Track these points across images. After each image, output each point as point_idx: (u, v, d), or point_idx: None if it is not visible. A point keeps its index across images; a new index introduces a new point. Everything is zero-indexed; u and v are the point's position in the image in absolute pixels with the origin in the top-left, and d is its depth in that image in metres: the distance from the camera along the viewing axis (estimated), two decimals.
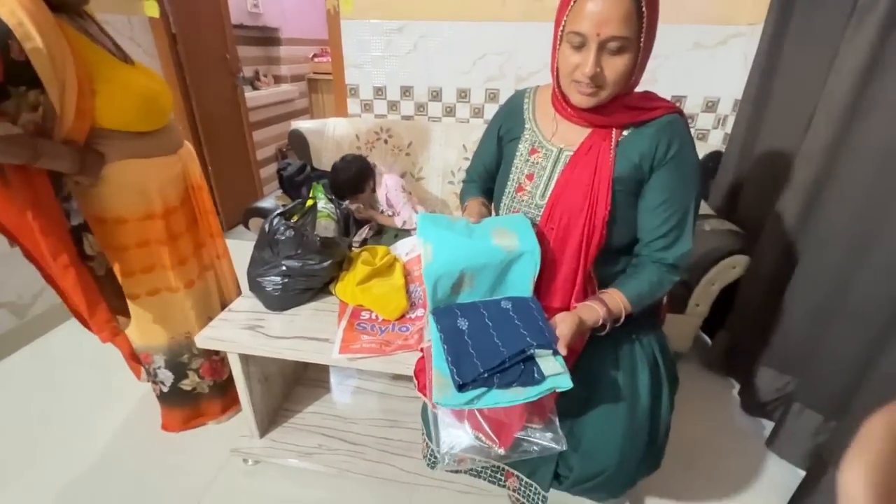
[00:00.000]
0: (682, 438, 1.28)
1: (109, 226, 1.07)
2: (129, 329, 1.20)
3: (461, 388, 0.69)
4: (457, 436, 0.76)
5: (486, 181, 1.02)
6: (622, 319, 0.77)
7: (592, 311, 0.76)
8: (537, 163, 0.87)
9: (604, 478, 0.78)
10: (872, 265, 1.06)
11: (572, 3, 0.69)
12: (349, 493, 1.18)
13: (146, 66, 1.11)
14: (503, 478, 0.94)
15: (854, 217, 1.14)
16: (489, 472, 0.96)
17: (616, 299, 0.78)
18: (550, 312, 0.79)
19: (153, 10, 2.16)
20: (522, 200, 0.89)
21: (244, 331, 1.08)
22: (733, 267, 1.45)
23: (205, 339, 1.06)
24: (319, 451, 1.23)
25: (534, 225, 0.85)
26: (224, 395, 1.37)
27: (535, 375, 0.69)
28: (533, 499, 0.87)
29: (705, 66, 1.85)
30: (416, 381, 0.90)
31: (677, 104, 1.94)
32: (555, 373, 0.69)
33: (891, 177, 1.05)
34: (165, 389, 1.30)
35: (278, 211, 1.13)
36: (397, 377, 1.48)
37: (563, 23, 0.71)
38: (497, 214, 0.97)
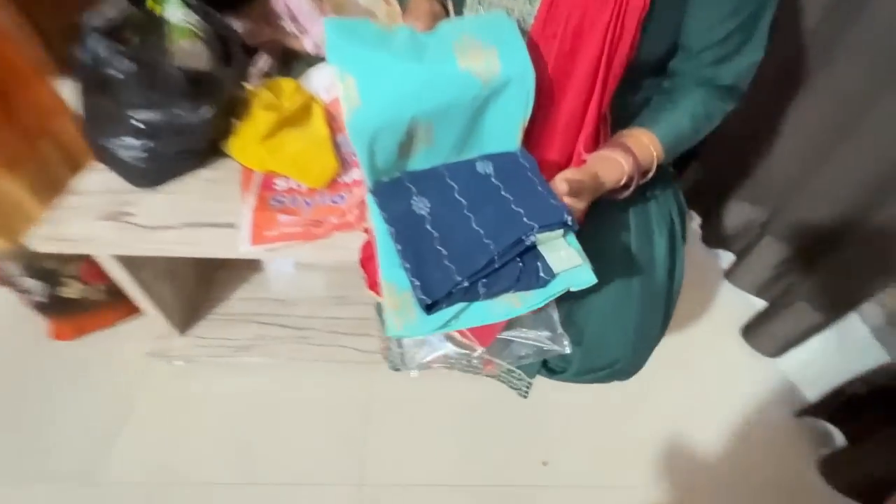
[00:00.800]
0: None
1: None
2: None
3: (431, 307, 0.47)
4: (425, 346, 0.58)
5: None
6: (651, 173, 0.55)
7: (613, 165, 0.52)
8: None
9: (612, 370, 0.66)
10: (885, 103, 0.86)
11: None
12: (301, 382, 1.06)
13: None
14: (480, 366, 0.82)
15: (872, 42, 0.88)
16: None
17: (645, 144, 0.53)
18: (546, 170, 0.54)
19: None
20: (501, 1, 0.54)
21: (104, 222, 0.75)
22: None
23: (42, 239, 0.73)
24: (259, 342, 1.06)
25: (522, 32, 0.53)
26: (124, 299, 1.10)
27: (541, 273, 0.48)
28: (516, 385, 0.78)
29: None
30: (363, 275, 0.68)
31: None
32: (570, 266, 0.48)
33: None
34: (42, 299, 0.99)
35: (94, 24, 0.68)
36: None
37: None
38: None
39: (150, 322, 0.98)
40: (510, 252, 0.47)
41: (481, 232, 0.49)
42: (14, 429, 0.98)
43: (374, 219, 0.54)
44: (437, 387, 1.06)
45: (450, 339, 0.62)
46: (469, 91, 0.51)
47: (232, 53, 0.84)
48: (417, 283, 0.47)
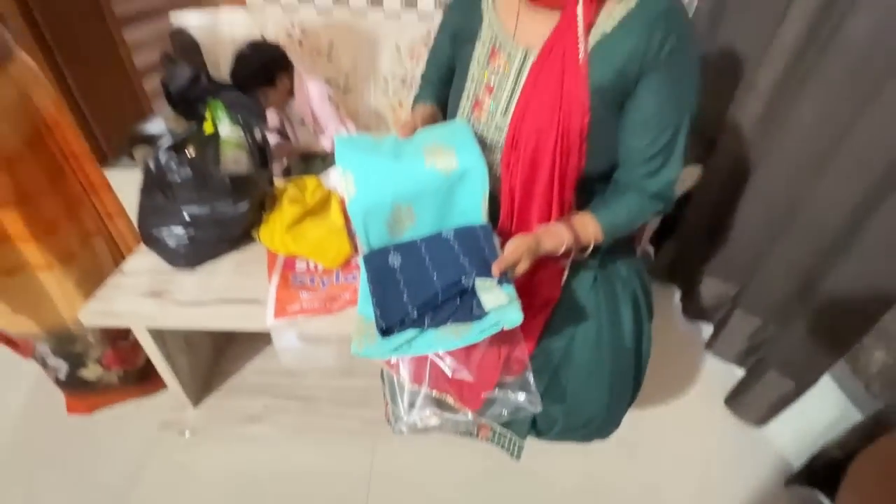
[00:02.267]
0: None
1: None
2: None
3: (386, 332, 0.60)
4: (422, 415, 0.67)
5: (443, 86, 0.82)
6: (590, 250, 0.68)
7: (555, 235, 0.65)
8: (498, 70, 0.68)
9: (592, 427, 0.75)
10: (836, 171, 1.03)
11: None
12: (306, 453, 1.10)
13: None
14: (475, 430, 0.89)
15: (824, 117, 1.07)
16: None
17: (587, 224, 0.67)
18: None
19: None
20: (480, 121, 0.72)
21: (146, 298, 0.86)
22: (684, 179, 1.41)
23: (92, 314, 0.83)
24: (267, 413, 1.12)
25: (496, 149, 0.70)
26: (143, 381, 1.16)
27: (474, 310, 0.59)
28: (509, 447, 0.84)
29: None
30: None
31: None
32: (498, 304, 0.59)
33: (866, 77, 0.98)
34: (62, 377, 1.07)
35: (166, 143, 0.85)
36: None
37: None
38: None
39: (160, 399, 1.05)
40: (451, 290, 0.60)
41: (434, 276, 0.63)
42: (20, 499, 1.00)
43: (361, 272, 0.68)
44: (438, 456, 1.09)
45: (441, 405, 0.70)
46: (434, 181, 0.66)
47: (266, 157, 1.01)
48: (378, 311, 0.61)
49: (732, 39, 1.40)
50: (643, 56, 0.60)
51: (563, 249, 0.65)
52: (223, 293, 0.88)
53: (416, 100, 0.87)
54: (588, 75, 0.61)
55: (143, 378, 1.16)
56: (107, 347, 1.07)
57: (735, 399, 1.27)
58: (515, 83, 0.67)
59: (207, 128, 0.94)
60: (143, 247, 0.96)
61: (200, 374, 1.14)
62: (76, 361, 1.06)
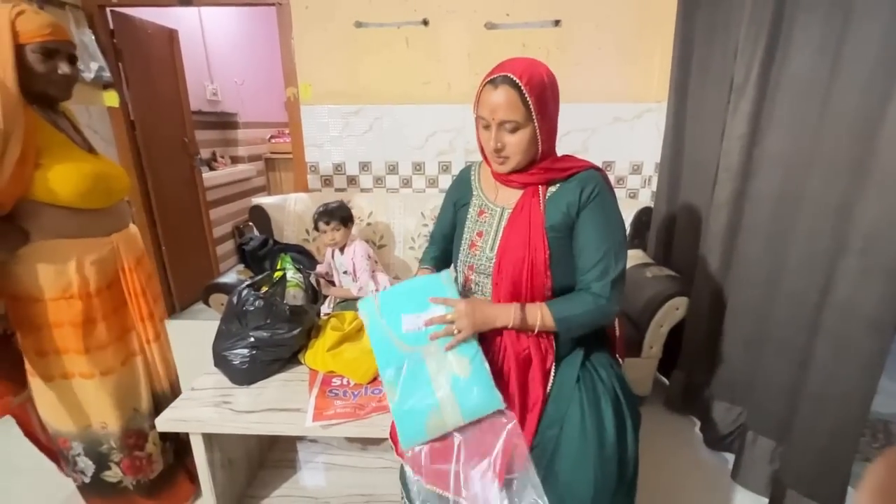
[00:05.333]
0: (653, 481, 1.31)
1: (23, 304, 1.01)
2: (43, 409, 1.10)
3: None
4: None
5: (445, 243, 1.12)
6: (535, 330, 0.87)
7: (505, 310, 0.87)
8: (485, 221, 0.98)
9: None
10: (783, 295, 1.21)
11: (478, 95, 0.87)
12: None
13: (107, 157, 1.13)
14: None
15: (762, 254, 1.31)
16: None
17: (536, 310, 0.87)
18: None
19: (113, 101, 2.23)
20: (475, 255, 0.98)
21: (209, 408, 1.04)
22: (676, 308, 1.58)
23: (166, 421, 1.01)
24: None
25: (487, 273, 0.94)
26: (152, 495, 1.22)
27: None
28: None
29: (627, 136, 2.13)
30: (392, 445, 0.91)
31: (606, 168, 2.18)
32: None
33: (784, 219, 1.24)
34: (87, 480, 1.16)
35: (247, 283, 1.14)
36: (367, 448, 1.44)
37: (475, 109, 0.89)
38: (456, 267, 1.05)
39: None
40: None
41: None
42: None
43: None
44: None
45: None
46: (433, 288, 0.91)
47: (317, 295, 1.29)
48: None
49: (687, 198, 1.75)
50: (577, 202, 0.89)
51: (511, 322, 0.86)
52: (271, 404, 1.05)
53: (424, 255, 1.17)
54: (545, 219, 0.89)
55: (155, 490, 1.22)
56: (124, 456, 1.16)
57: None
58: (497, 229, 0.95)
59: (277, 274, 1.24)
60: (210, 368, 1.18)
61: (234, 495, 1.21)
62: (102, 462, 1.15)
